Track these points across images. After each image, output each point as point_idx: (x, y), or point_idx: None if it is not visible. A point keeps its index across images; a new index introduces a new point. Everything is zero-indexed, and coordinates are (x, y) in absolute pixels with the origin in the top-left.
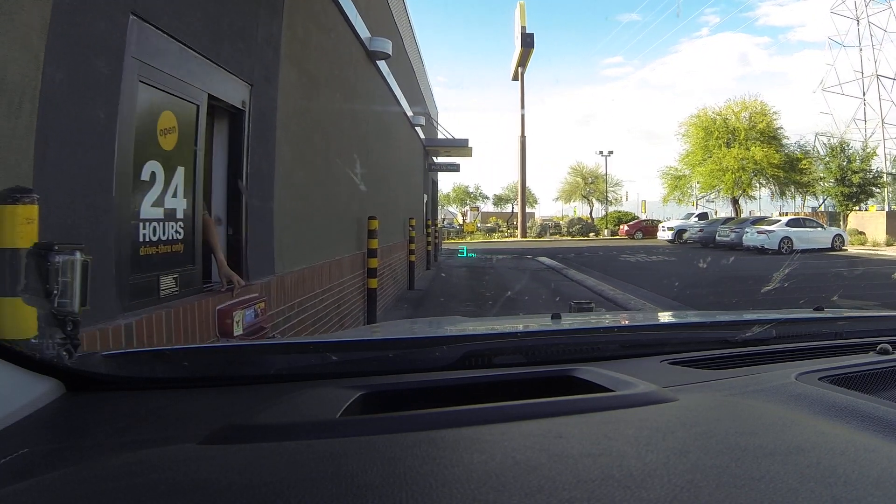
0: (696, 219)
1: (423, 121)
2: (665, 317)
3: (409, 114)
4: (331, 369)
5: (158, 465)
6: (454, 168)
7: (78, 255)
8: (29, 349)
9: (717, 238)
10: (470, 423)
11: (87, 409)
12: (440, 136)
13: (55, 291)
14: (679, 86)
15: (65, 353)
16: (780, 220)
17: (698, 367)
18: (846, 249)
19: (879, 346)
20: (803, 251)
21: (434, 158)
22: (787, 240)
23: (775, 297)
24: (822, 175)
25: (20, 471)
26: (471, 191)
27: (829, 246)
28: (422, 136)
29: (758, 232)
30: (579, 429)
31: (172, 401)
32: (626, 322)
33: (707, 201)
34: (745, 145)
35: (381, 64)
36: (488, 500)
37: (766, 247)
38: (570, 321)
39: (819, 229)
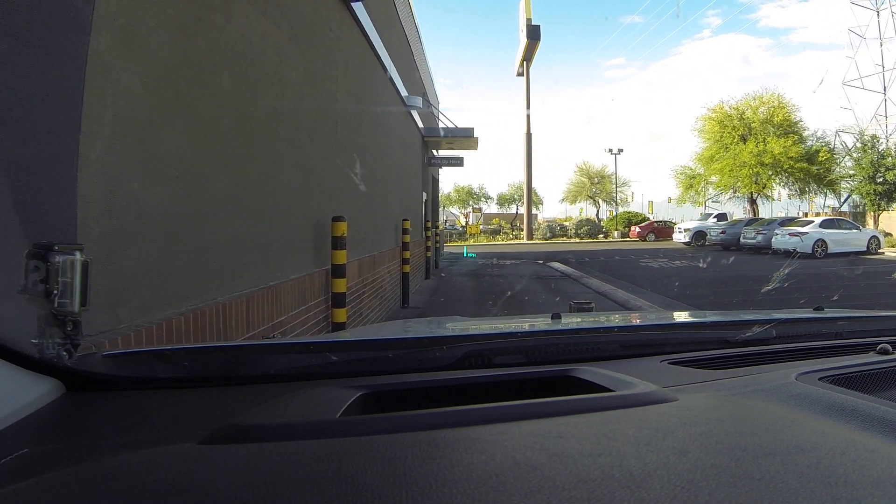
0: (715, 219)
1: (419, 102)
2: (665, 317)
3: (404, 93)
4: (331, 369)
5: (158, 465)
6: (458, 162)
7: (78, 255)
8: (29, 349)
9: (742, 240)
10: (470, 423)
11: (87, 409)
12: (442, 126)
13: (55, 291)
14: (681, 87)
15: (65, 353)
16: (812, 221)
17: (698, 367)
18: (883, 252)
19: (879, 346)
20: (838, 255)
21: (435, 152)
22: (821, 242)
23: None
24: (851, 172)
25: (20, 471)
26: (475, 191)
27: (865, 249)
28: (420, 124)
29: (789, 234)
30: (579, 429)
31: (172, 401)
32: (627, 322)
33: (713, 202)
34: (761, 138)
35: (360, 11)
36: (488, 500)
37: (798, 250)
38: (570, 321)
39: (854, 231)
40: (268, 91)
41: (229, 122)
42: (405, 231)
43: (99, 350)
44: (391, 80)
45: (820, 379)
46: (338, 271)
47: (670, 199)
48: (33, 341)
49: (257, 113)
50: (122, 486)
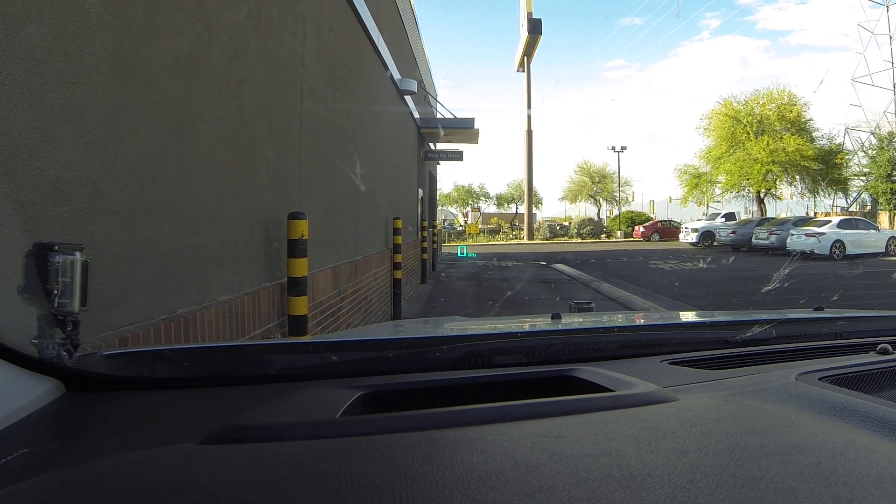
0: (723, 219)
1: (414, 87)
2: (665, 317)
3: (397, 76)
4: (331, 369)
5: (158, 465)
6: (457, 156)
7: (78, 255)
8: (29, 349)
9: (754, 241)
10: (470, 423)
11: (87, 409)
12: (440, 117)
13: (55, 291)
14: (680, 88)
15: (65, 353)
16: (829, 221)
17: (698, 367)
18: None
19: (879, 346)
20: (857, 256)
21: (432, 146)
22: (839, 244)
23: None
24: (866, 170)
25: (20, 471)
26: (475, 190)
27: (884, 250)
28: (416, 114)
29: (806, 235)
30: (579, 429)
31: (172, 401)
32: (626, 322)
33: (715, 201)
34: (776, 135)
35: None
36: (488, 500)
37: (815, 251)
38: (570, 321)
39: (873, 231)
40: (182, 29)
41: (96, 59)
42: (397, 231)
43: (99, 350)
44: (381, 57)
45: (820, 379)
46: (296, 286)
47: (671, 198)
48: (33, 341)
49: (157, 58)
50: (122, 486)
